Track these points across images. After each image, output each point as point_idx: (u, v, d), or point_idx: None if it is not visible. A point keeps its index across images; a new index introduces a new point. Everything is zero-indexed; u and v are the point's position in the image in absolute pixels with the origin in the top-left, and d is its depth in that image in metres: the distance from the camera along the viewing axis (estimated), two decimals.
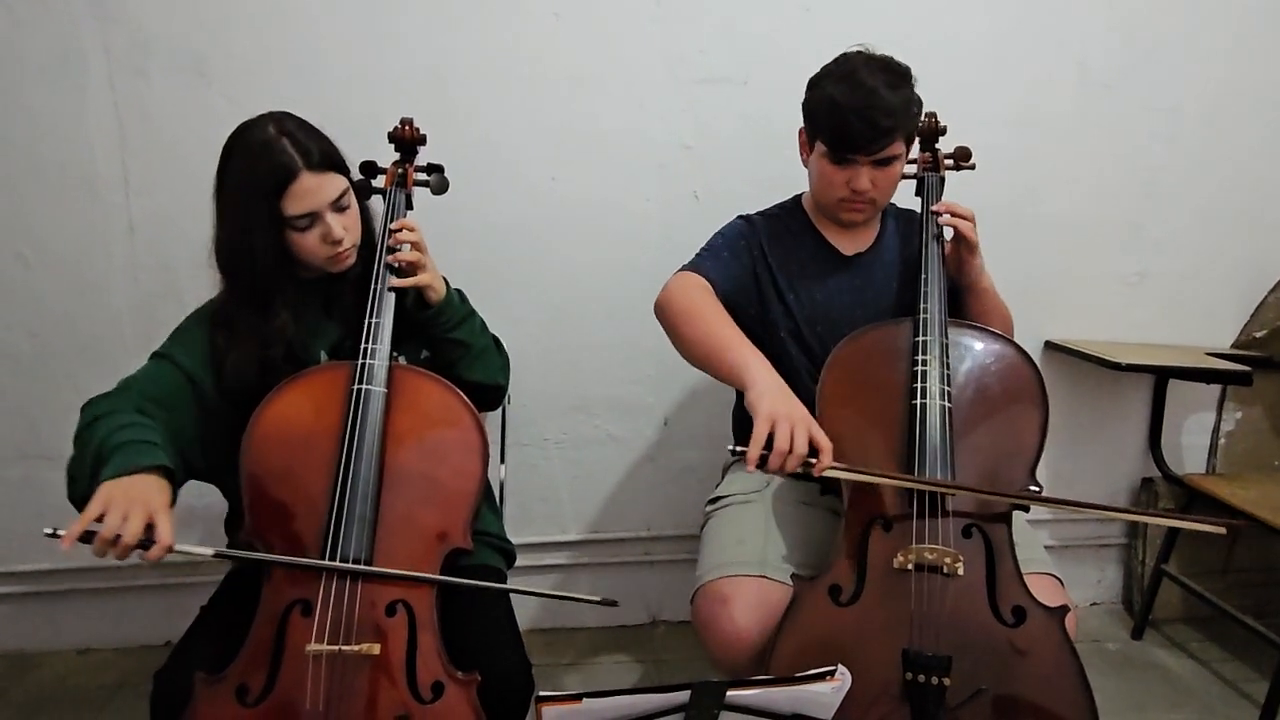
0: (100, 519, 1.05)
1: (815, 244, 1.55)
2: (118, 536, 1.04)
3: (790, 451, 1.17)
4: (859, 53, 1.43)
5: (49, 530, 1.05)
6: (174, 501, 1.15)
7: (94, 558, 1.91)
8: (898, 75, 1.40)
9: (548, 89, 1.95)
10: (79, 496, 1.16)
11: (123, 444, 1.13)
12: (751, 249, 1.53)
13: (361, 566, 1.17)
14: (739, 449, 1.20)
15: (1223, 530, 1.22)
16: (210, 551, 1.13)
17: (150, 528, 1.07)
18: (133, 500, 1.07)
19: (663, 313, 1.45)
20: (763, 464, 1.18)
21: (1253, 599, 2.23)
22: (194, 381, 1.31)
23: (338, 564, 1.16)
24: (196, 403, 1.31)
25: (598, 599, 1.21)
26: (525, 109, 1.95)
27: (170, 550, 1.08)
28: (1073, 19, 2.01)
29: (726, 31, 1.95)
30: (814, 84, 1.46)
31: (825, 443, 1.20)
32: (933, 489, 1.26)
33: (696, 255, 1.54)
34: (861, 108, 1.35)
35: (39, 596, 2.13)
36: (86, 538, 1.04)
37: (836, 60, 1.45)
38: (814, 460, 1.19)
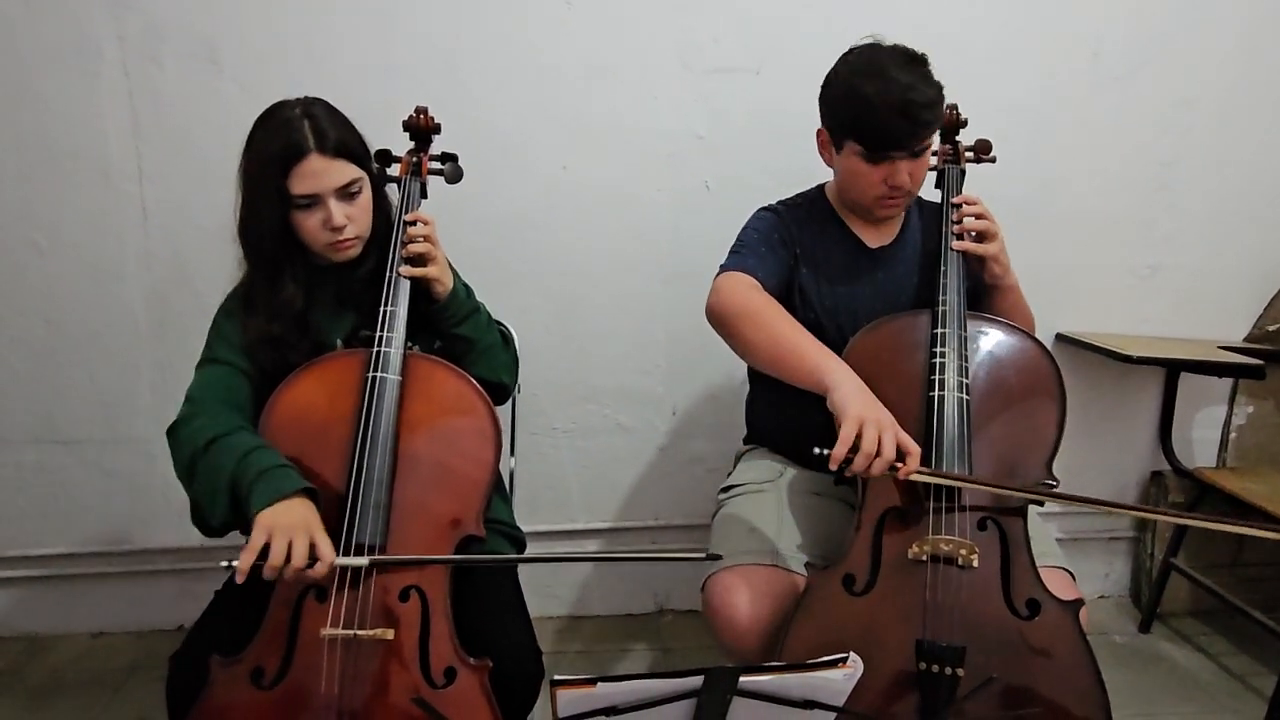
0: (265, 547, 1.09)
1: (840, 236, 1.54)
2: (286, 561, 1.09)
3: (878, 455, 1.15)
4: (878, 45, 1.40)
5: (225, 563, 1.10)
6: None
7: (105, 544, 1.93)
8: (923, 64, 1.38)
9: (561, 79, 1.95)
10: (218, 524, 1.20)
11: (262, 471, 1.16)
12: (786, 242, 1.50)
13: (389, 557, 1.19)
14: (824, 451, 1.16)
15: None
16: (366, 561, 1.17)
17: (312, 547, 1.11)
18: (293, 526, 1.11)
19: (720, 318, 1.38)
20: (845, 465, 1.16)
21: (1261, 593, 2.22)
22: (247, 375, 1.33)
23: (386, 559, 1.18)
24: (254, 395, 1.33)
25: (703, 554, 1.20)
26: (538, 98, 1.95)
27: (333, 566, 1.13)
28: (1087, 11, 2.00)
29: (739, 21, 1.95)
30: (837, 82, 1.42)
31: (913, 447, 1.18)
32: (1007, 493, 1.25)
33: (735, 253, 1.48)
34: (901, 104, 1.32)
35: (53, 580, 2.15)
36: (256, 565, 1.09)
37: (855, 54, 1.41)
38: (900, 465, 1.17)
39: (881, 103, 1.33)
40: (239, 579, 1.08)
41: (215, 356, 1.34)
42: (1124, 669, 2.06)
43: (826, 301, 1.51)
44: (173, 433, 1.26)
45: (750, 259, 1.44)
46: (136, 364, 2.02)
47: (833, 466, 1.16)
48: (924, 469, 1.20)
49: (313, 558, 1.11)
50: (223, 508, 1.18)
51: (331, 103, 1.35)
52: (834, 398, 1.20)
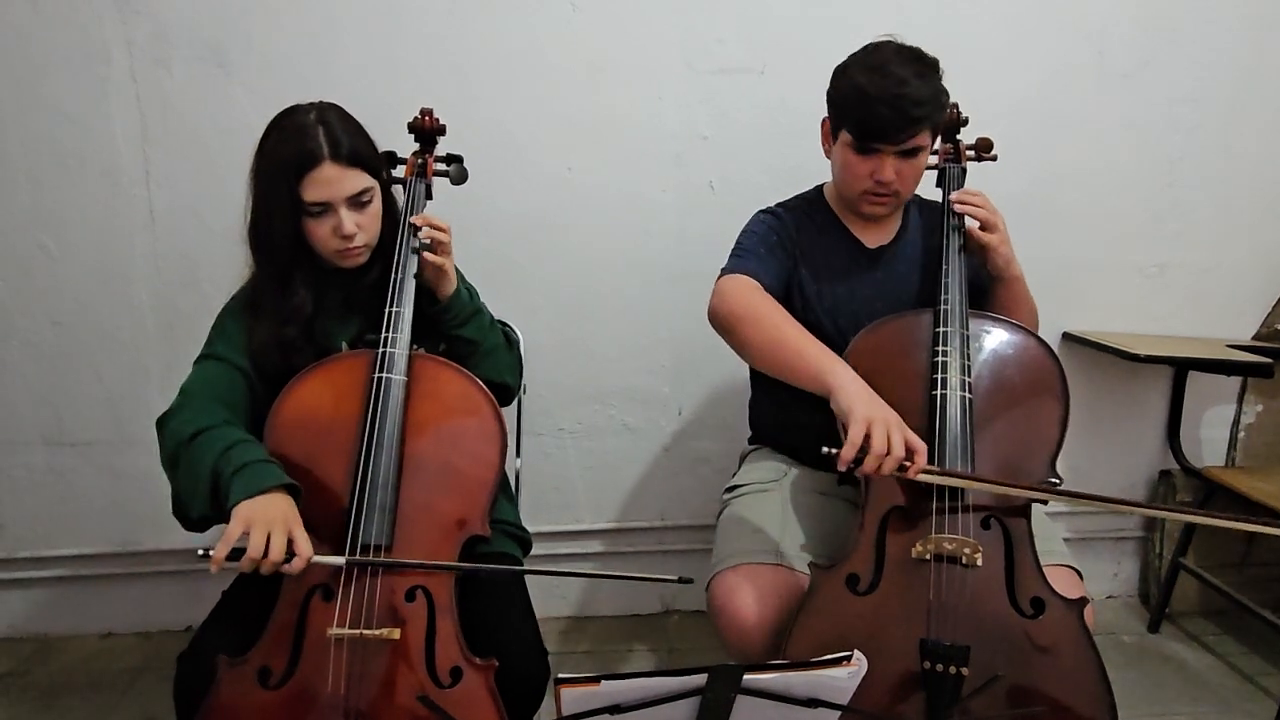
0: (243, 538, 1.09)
1: (838, 236, 1.54)
2: (264, 554, 1.08)
3: (888, 454, 1.15)
4: (889, 43, 1.41)
5: (201, 550, 1.09)
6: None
7: (114, 545, 1.93)
8: (928, 66, 1.38)
9: (566, 80, 1.95)
10: (196, 517, 1.20)
11: (244, 465, 1.16)
12: (785, 243, 1.51)
13: (384, 559, 1.19)
14: (832, 450, 1.17)
15: (1277, 531, 1.19)
16: (343, 560, 1.17)
17: (290, 542, 1.11)
18: (272, 519, 1.11)
19: (722, 320, 1.39)
20: (856, 465, 1.16)
21: (1271, 593, 2.21)
22: (245, 374, 1.33)
23: (372, 560, 1.18)
24: (250, 395, 1.33)
25: (674, 577, 1.21)
26: (543, 100, 1.96)
27: (309, 562, 1.12)
28: (1092, 8, 1.99)
29: (743, 21, 1.95)
30: (840, 72, 1.44)
31: (920, 445, 1.18)
32: (1017, 493, 1.24)
33: (736, 256, 1.49)
34: (891, 97, 1.33)
35: (63, 581, 2.16)
36: (232, 556, 1.08)
37: (865, 49, 1.42)
38: (909, 464, 1.18)
39: (872, 93, 1.35)
40: (213, 568, 1.07)
41: (213, 353, 1.35)
42: (1133, 669, 2.05)
43: (826, 302, 1.51)
44: (162, 424, 1.26)
45: (751, 261, 1.46)
46: (145, 366, 2.03)
47: (841, 468, 1.16)
48: (931, 468, 1.20)
49: (290, 553, 1.10)
50: (203, 500, 1.17)
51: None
52: (839, 399, 1.21)
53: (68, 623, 2.19)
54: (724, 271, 1.45)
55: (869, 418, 1.16)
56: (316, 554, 1.13)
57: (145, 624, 2.20)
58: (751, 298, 1.38)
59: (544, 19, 1.92)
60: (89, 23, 1.84)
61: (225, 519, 1.12)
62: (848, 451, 1.15)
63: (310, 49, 1.89)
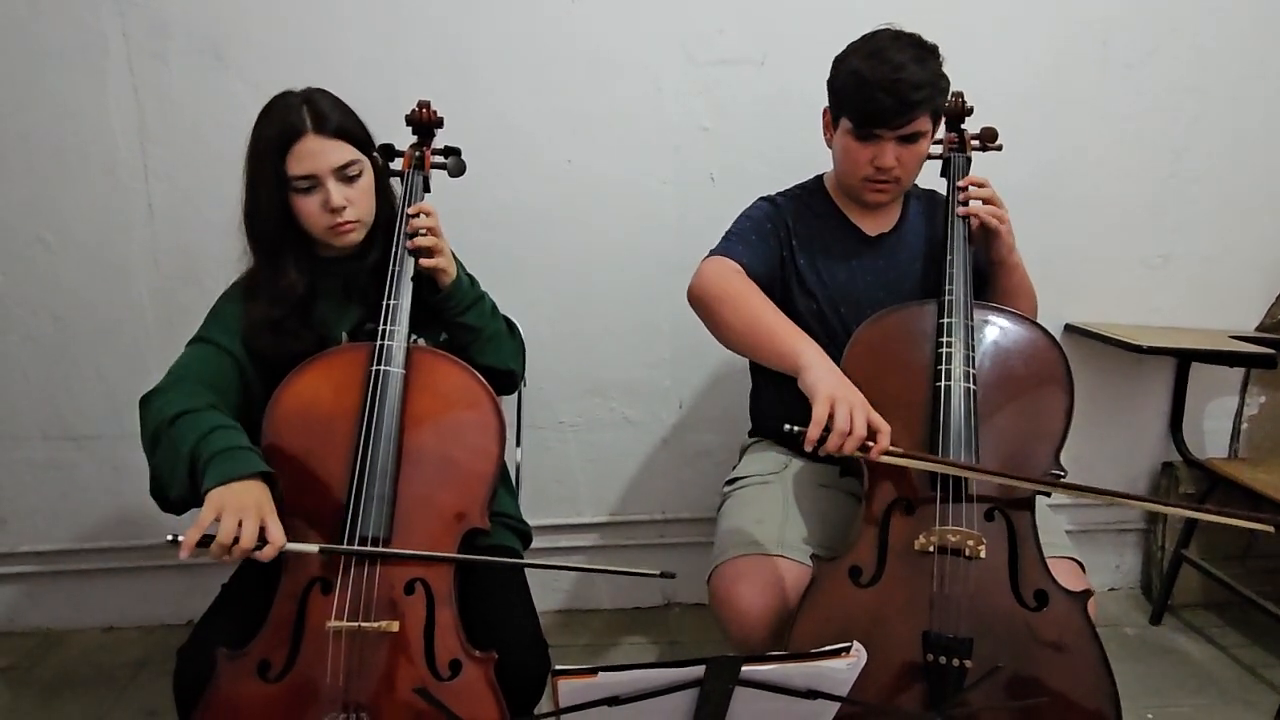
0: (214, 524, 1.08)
1: (838, 224, 1.54)
2: (235, 541, 1.08)
3: (850, 433, 1.16)
4: (886, 29, 1.42)
5: (170, 536, 1.08)
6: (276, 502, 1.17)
7: (117, 539, 1.92)
8: (926, 50, 1.38)
9: (564, 71, 1.94)
10: (174, 499, 1.19)
11: (221, 450, 1.15)
12: (778, 231, 1.52)
13: (384, 549, 1.19)
14: (797, 428, 1.18)
15: (1271, 529, 1.16)
16: (316, 548, 1.17)
17: (262, 530, 1.10)
18: (244, 506, 1.10)
19: (700, 300, 1.41)
20: (820, 444, 1.17)
21: (1273, 585, 2.21)
22: (236, 360, 1.33)
23: (348, 549, 1.18)
24: (240, 381, 1.33)
25: (657, 572, 1.21)
26: (542, 91, 1.95)
27: (282, 550, 1.12)
28: None
29: (742, 12, 1.94)
30: (840, 60, 1.45)
31: (883, 425, 1.19)
32: (984, 477, 1.24)
33: (724, 239, 1.51)
34: (888, 82, 1.34)
35: (64, 575, 2.17)
36: (204, 542, 1.08)
37: (863, 37, 1.43)
38: (872, 444, 1.18)
39: (870, 78, 1.35)
40: (183, 554, 1.05)
41: (205, 336, 1.35)
42: (1135, 661, 2.05)
43: (828, 290, 1.51)
44: (146, 402, 1.26)
45: (738, 245, 1.48)
46: (145, 360, 2.03)
47: (807, 446, 1.17)
48: (894, 449, 1.21)
49: (262, 540, 1.10)
50: (181, 482, 1.17)
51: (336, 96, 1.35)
52: (806, 378, 1.23)
53: (69, 616, 2.19)
54: (710, 253, 1.48)
55: (833, 396, 1.17)
56: (292, 542, 1.13)
57: (147, 618, 2.21)
58: (730, 279, 1.40)
59: (543, 10, 1.91)
60: (85, 16, 1.83)
61: (201, 503, 1.11)
62: (813, 430, 1.16)
63: (308, 41, 1.88)
